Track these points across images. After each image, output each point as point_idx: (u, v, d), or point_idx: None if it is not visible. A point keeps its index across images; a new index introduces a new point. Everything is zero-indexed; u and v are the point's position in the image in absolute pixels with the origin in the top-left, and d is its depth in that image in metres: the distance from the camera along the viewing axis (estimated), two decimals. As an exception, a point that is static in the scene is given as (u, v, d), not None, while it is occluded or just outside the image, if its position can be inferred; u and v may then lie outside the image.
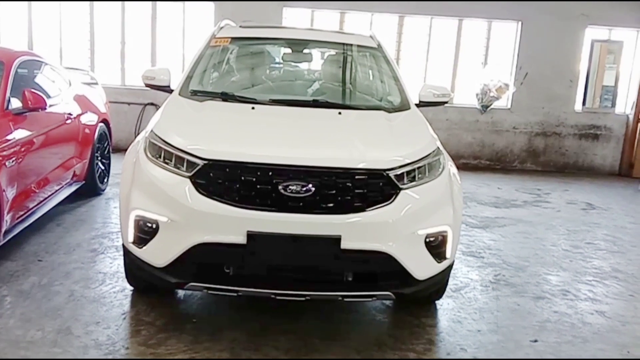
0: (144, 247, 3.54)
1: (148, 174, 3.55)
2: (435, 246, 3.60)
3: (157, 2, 9.77)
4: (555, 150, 10.52)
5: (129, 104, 9.68)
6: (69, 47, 9.94)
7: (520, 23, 10.12)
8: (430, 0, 9.77)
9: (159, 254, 3.47)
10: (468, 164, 10.26)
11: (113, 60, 10.00)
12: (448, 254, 3.68)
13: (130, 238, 3.60)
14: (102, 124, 6.76)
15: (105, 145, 6.97)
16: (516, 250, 5.76)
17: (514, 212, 7.29)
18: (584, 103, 10.49)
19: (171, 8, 9.89)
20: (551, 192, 8.62)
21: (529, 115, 10.39)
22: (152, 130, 3.76)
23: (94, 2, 9.71)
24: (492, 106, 10.20)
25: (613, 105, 10.48)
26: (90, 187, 6.55)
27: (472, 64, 10.34)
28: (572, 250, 5.88)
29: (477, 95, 10.17)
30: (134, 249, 3.61)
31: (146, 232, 3.52)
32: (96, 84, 7.30)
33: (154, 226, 3.47)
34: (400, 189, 3.47)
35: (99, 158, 6.77)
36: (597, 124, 10.51)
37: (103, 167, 6.91)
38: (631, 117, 10.44)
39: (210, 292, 3.53)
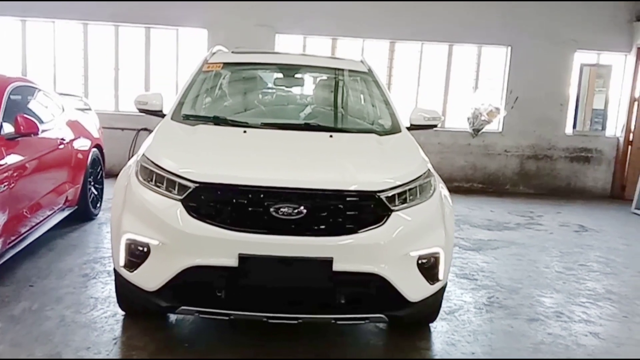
0: (135, 271, 3.52)
1: (139, 198, 3.55)
2: (428, 268, 3.60)
3: (151, 28, 9.85)
4: (547, 173, 10.58)
5: (122, 129, 9.70)
6: (63, 73, 9.98)
7: (509, 48, 10.25)
8: (421, 23, 9.90)
9: (150, 277, 3.45)
10: (460, 187, 10.29)
11: (107, 86, 10.05)
12: (441, 276, 3.68)
13: (122, 262, 3.59)
14: (95, 149, 6.77)
15: (99, 170, 6.97)
16: (509, 272, 5.75)
17: (507, 235, 7.31)
18: (574, 126, 10.57)
19: (165, 34, 9.97)
20: (544, 215, 8.65)
21: (520, 139, 10.47)
22: (143, 154, 3.78)
23: (88, 25, 9.77)
24: (483, 130, 10.26)
25: (603, 128, 10.57)
26: (82, 212, 6.53)
27: (463, 88, 10.44)
28: (566, 272, 5.89)
29: (468, 119, 10.24)
30: (125, 273, 3.59)
31: (137, 255, 3.51)
32: (89, 109, 7.32)
33: (145, 250, 3.46)
34: (392, 211, 3.48)
35: (92, 183, 6.76)
36: (588, 146, 10.59)
37: (96, 192, 6.90)
38: (621, 139, 10.53)
39: (202, 315, 3.52)
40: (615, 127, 10.68)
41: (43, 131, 5.40)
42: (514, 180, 10.57)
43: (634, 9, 10.15)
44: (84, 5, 9.52)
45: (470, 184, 10.39)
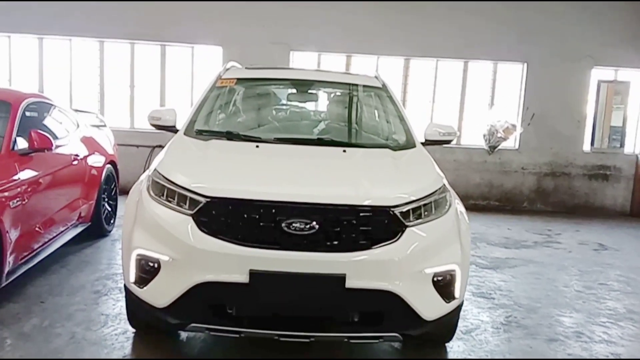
0: (145, 287, 3.47)
1: (150, 213, 3.51)
2: (444, 285, 3.51)
3: (167, 45, 9.92)
4: (565, 190, 10.43)
5: (137, 146, 9.72)
6: (79, 90, 10.07)
7: (525, 64, 10.17)
8: (436, 39, 9.86)
9: (160, 294, 3.40)
10: (477, 205, 10.17)
11: (122, 103, 10.11)
12: (457, 294, 3.59)
13: (132, 278, 3.54)
14: (109, 166, 6.77)
15: (113, 186, 6.97)
16: (527, 291, 5.63)
17: (525, 253, 7.17)
18: (592, 143, 10.43)
19: (180, 52, 10.04)
20: (562, 233, 8.50)
21: (537, 156, 10.34)
22: (155, 169, 3.74)
23: (104, 43, 9.87)
24: (499, 147, 10.16)
25: (622, 145, 10.42)
26: (96, 229, 6.52)
27: (478, 104, 10.37)
28: (585, 291, 5.75)
29: (484, 136, 10.15)
30: (135, 289, 3.54)
31: (147, 271, 3.46)
32: (104, 126, 7.35)
33: (156, 265, 3.41)
34: (406, 227, 3.40)
35: (106, 199, 6.75)
36: (606, 164, 10.44)
37: (110, 209, 6.89)
38: (640, 157, 10.37)
39: (212, 333, 3.44)
40: (634, 145, 10.54)
41: (57, 147, 5.41)
42: (531, 198, 10.43)
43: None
44: (100, 23, 9.61)
45: (487, 201, 10.27)
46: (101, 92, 10.02)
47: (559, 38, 10.03)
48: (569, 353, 4.24)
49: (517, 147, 10.35)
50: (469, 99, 10.33)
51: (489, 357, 4.07)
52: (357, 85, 5.15)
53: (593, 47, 10.07)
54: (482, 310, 5.02)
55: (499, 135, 10.00)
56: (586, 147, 10.44)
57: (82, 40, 9.90)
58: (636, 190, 10.39)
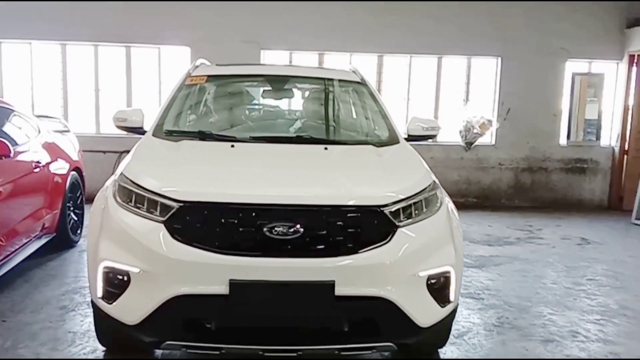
0: (114, 303, 3.17)
1: (118, 221, 3.21)
2: (438, 289, 3.28)
3: (132, 47, 9.55)
4: (543, 185, 10.32)
5: (104, 152, 9.33)
6: (42, 96, 9.64)
7: (499, 59, 10.04)
8: (409, 29, 9.67)
9: (131, 309, 3.10)
10: (455, 203, 9.70)
11: (87, 108, 9.70)
12: (452, 297, 3.36)
13: (99, 293, 3.24)
14: (74, 173, 6.41)
15: (78, 194, 6.61)
16: (516, 289, 5.44)
17: (508, 250, 7.01)
18: (568, 137, 10.34)
19: (146, 54, 9.67)
20: (543, 228, 8.37)
21: (514, 151, 10.22)
22: (122, 173, 3.45)
23: (66, 46, 9.45)
24: (476, 143, 9.99)
25: (598, 138, 10.33)
26: (62, 240, 6.17)
27: (453, 101, 10.20)
28: (574, 287, 5.58)
29: (460, 132, 9.98)
30: (103, 305, 3.24)
31: (116, 285, 3.16)
32: (68, 131, 6.98)
33: (125, 278, 3.11)
34: (397, 227, 3.16)
35: (72, 208, 6.39)
36: (583, 157, 10.35)
37: (76, 218, 6.53)
38: (617, 149, 10.30)
39: (189, 350, 3.15)
40: (609, 137, 10.46)
41: (17, 154, 5.06)
42: (510, 194, 10.30)
43: (624, 16, 10.00)
44: (62, 25, 9.20)
45: (465, 198, 10.08)
46: (65, 97, 9.59)
47: (532, 31, 9.90)
48: (566, 354, 4.05)
49: (493, 142, 10.21)
50: (444, 95, 10.15)
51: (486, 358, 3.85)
52: (334, 80, 4.90)
53: (567, 39, 9.96)
54: (472, 311, 4.81)
55: (475, 131, 9.84)
56: (562, 140, 10.34)
57: (43, 43, 9.46)
58: (614, 183, 10.34)
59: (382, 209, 3.16)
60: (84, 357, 3.75)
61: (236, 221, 3.02)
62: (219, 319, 3.03)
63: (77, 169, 6.56)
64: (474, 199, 10.21)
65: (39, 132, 6.03)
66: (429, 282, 3.23)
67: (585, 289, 5.56)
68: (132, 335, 3.15)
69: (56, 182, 5.93)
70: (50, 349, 3.86)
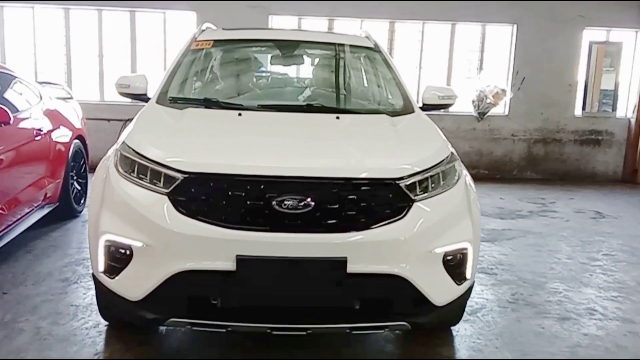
0: (117, 278, 3.03)
1: (119, 192, 3.05)
2: (455, 266, 3.13)
3: (136, 11, 9.30)
4: (556, 157, 10.10)
5: (109, 120, 9.17)
6: (45, 61, 9.45)
7: (515, 26, 9.74)
8: (422, 1, 9.37)
9: (134, 285, 2.96)
10: (466, 174, 9.78)
11: (91, 74, 9.50)
12: (468, 274, 3.20)
13: (101, 267, 3.10)
14: (77, 141, 6.25)
15: (82, 163, 6.46)
16: (530, 264, 5.29)
17: (521, 223, 6.84)
18: (583, 108, 10.09)
19: (151, 18, 9.42)
20: (556, 201, 8.19)
21: (527, 122, 9.98)
22: (124, 142, 3.28)
23: (69, 10, 9.22)
24: (489, 113, 9.78)
25: (614, 109, 10.09)
26: (65, 209, 6.03)
27: (466, 69, 9.95)
28: (590, 263, 5.43)
29: (473, 102, 9.75)
30: (105, 280, 3.10)
31: (118, 259, 3.01)
32: (71, 98, 6.81)
33: (127, 253, 2.97)
34: (413, 201, 2.99)
35: (75, 177, 6.25)
36: (598, 129, 10.11)
37: (79, 187, 6.39)
38: (633, 120, 10.05)
39: (194, 328, 3.02)
40: (626, 108, 10.21)
41: (18, 120, 4.90)
42: (522, 166, 10.10)
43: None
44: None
45: (476, 170, 9.88)
46: (68, 63, 9.40)
47: (549, -3, 9.59)
48: (584, 332, 3.90)
49: (506, 113, 9.97)
50: (457, 63, 9.90)
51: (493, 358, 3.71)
52: (345, 45, 4.68)
53: (584, 6, 9.65)
54: (486, 287, 4.67)
55: (488, 101, 9.62)
56: (577, 111, 10.10)
57: (46, 7, 9.22)
58: (628, 155, 10.11)
59: (397, 182, 2.98)
60: (86, 331, 3.63)
61: (243, 194, 2.86)
62: (225, 296, 2.89)
63: (80, 137, 6.40)
64: (485, 171, 10.02)
65: (41, 98, 5.86)
66: (445, 259, 3.07)
67: (601, 264, 5.40)
68: (135, 312, 3.02)
69: (58, 150, 5.77)
70: (51, 322, 3.75)
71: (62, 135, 5.91)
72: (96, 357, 3.28)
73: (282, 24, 9.53)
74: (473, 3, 9.48)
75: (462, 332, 3.83)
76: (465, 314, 3.90)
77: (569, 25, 9.72)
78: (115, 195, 3.08)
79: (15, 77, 5.57)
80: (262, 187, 2.86)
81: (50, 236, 5.56)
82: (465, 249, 3.15)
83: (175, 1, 9.20)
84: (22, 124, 5.14)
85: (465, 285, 3.22)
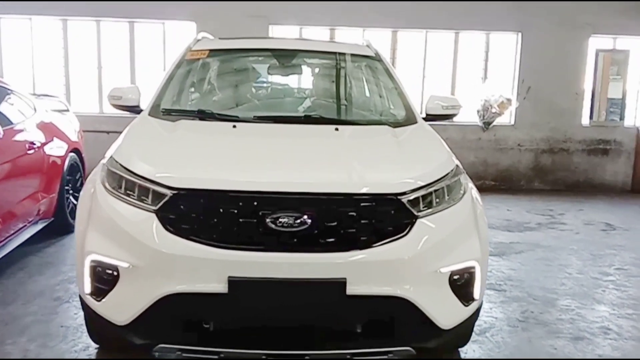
0: (103, 300, 2.87)
1: (106, 209, 2.89)
2: (462, 286, 2.95)
3: (135, 22, 9.19)
4: (564, 167, 9.90)
5: (107, 132, 8.98)
6: (43, 74, 9.34)
7: (520, 34, 9.59)
8: (425, 2, 9.21)
9: (120, 308, 2.80)
10: (472, 185, 9.59)
11: (90, 86, 9.38)
12: (476, 295, 3.02)
13: (87, 289, 2.94)
14: (72, 154, 6.11)
15: (78, 177, 6.31)
16: (540, 280, 5.09)
17: (530, 236, 6.64)
18: (591, 117, 9.90)
19: (150, 29, 9.31)
20: (565, 213, 7.99)
21: (534, 131, 9.80)
22: (111, 156, 3.12)
23: (67, 22, 9.11)
24: (494, 123, 9.60)
25: (621, 118, 9.89)
26: (60, 225, 5.86)
27: (471, 78, 9.78)
28: (602, 278, 5.23)
29: (478, 111, 9.58)
30: (91, 302, 2.94)
31: (105, 281, 2.85)
32: (67, 110, 6.67)
33: (114, 274, 2.81)
34: (417, 218, 2.82)
35: (70, 192, 6.09)
36: (606, 138, 9.91)
37: (75, 202, 6.22)
38: (641, 129, 9.86)
39: (185, 355, 2.83)
40: (634, 117, 10.02)
41: (9, 133, 4.76)
42: (529, 176, 9.90)
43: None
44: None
45: (482, 181, 9.69)
46: (66, 75, 9.28)
47: (555, 5, 9.41)
48: (598, 354, 3.71)
49: (512, 122, 9.80)
50: (461, 72, 9.74)
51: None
52: (346, 54, 4.52)
53: (591, 14, 9.48)
54: (495, 305, 4.47)
55: (493, 110, 9.44)
56: (585, 120, 9.91)
57: (44, 19, 9.12)
58: (637, 165, 9.90)
59: (399, 197, 2.82)
60: (75, 355, 3.46)
61: (236, 211, 2.69)
62: (217, 320, 2.73)
63: (76, 150, 6.25)
64: (492, 182, 9.83)
65: (35, 111, 5.72)
66: (451, 279, 2.89)
67: (614, 279, 5.20)
68: (122, 336, 2.84)
69: (53, 164, 5.63)
70: (40, 345, 3.58)
71: (57, 148, 5.77)
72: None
73: (283, 33, 9.40)
74: (476, 12, 9.30)
75: (471, 354, 3.65)
76: (473, 334, 3.72)
77: (575, 32, 9.55)
78: (101, 212, 2.93)
79: (8, 89, 5.44)
80: (255, 203, 2.69)
81: (45, 252, 5.40)
82: (473, 267, 2.98)
83: (175, 12, 9.06)
84: (14, 137, 5.00)
85: (473, 307, 3.04)
